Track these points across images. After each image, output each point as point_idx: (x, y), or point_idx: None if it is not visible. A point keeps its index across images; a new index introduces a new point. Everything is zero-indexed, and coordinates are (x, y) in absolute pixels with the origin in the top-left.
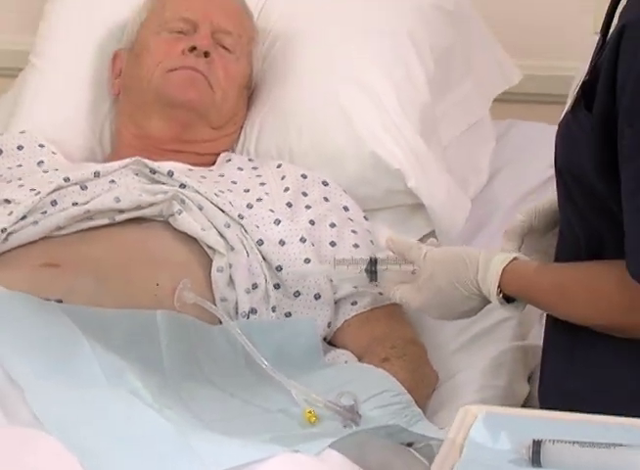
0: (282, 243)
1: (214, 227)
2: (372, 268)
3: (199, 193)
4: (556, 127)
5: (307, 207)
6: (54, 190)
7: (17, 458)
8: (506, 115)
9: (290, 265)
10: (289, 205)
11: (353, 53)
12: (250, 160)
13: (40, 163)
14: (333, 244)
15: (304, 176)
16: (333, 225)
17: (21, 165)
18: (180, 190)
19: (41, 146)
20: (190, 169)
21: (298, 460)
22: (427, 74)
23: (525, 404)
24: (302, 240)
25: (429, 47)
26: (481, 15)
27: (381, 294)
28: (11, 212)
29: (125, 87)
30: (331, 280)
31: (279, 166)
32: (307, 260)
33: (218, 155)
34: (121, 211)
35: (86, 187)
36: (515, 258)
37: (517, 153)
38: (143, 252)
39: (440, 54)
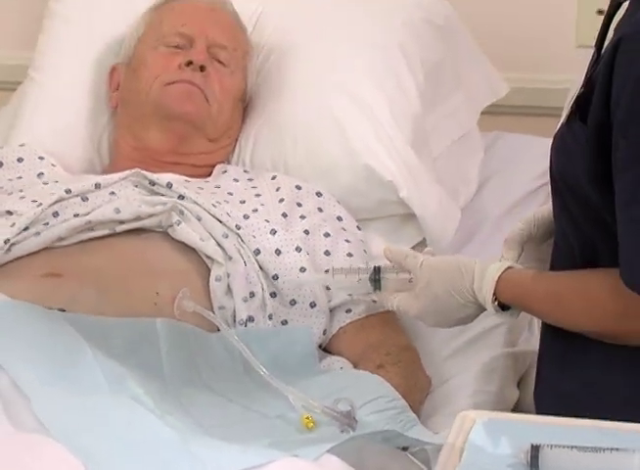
0: (278, 252)
1: (213, 237)
2: (376, 277)
3: (197, 204)
4: (541, 139)
5: (302, 217)
6: (55, 201)
7: (23, 464)
8: (493, 127)
9: (286, 274)
10: (284, 215)
11: (346, 66)
12: (245, 171)
13: (40, 174)
14: (327, 253)
15: (299, 187)
16: (327, 235)
17: (21, 177)
18: (179, 201)
19: (41, 158)
20: (187, 181)
21: (298, 465)
22: (417, 87)
23: (515, 409)
24: (298, 249)
25: (419, 60)
26: (469, 29)
27: (374, 301)
28: (13, 224)
29: (123, 100)
30: (328, 288)
31: (274, 178)
32: (303, 269)
33: (214, 166)
34: (122, 222)
35: (87, 198)
36: (509, 267)
37: (504, 164)
38: (143, 262)
39: (431, 68)
